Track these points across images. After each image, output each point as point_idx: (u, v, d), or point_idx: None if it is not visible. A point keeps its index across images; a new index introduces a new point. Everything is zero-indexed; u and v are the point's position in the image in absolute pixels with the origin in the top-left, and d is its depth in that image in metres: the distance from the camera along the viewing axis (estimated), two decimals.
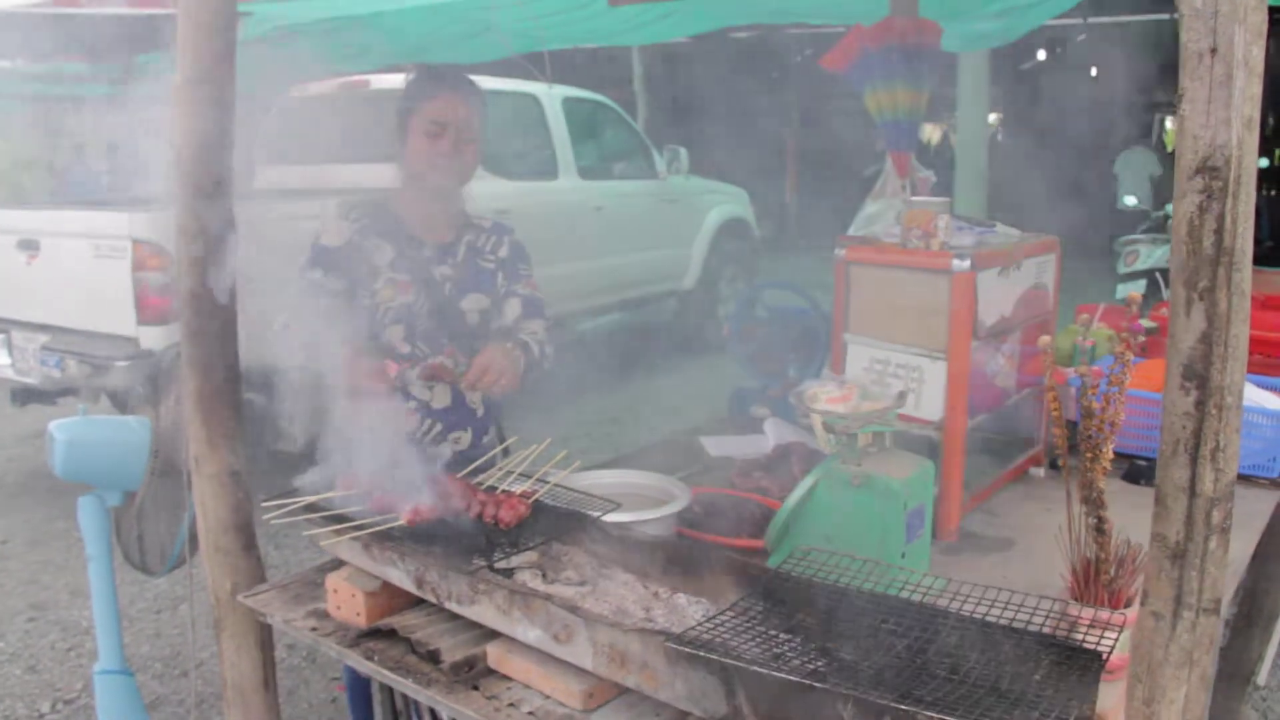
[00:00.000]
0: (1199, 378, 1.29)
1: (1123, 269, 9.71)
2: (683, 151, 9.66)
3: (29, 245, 6.04)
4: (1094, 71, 19.05)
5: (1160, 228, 10.06)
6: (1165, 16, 13.14)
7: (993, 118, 17.52)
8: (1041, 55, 19.87)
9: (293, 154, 7.51)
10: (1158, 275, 9.33)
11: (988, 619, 1.72)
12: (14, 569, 5.32)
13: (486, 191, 7.22)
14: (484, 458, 2.55)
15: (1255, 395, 2.91)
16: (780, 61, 19.24)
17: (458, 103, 2.69)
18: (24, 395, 6.40)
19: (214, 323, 2.49)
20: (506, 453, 2.54)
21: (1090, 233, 10.18)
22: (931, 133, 23.83)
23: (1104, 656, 1.58)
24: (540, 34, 5.46)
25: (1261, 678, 3.71)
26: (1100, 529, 1.83)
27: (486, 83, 7.56)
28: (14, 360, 6.14)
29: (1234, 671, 3.47)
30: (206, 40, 2.36)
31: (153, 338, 5.54)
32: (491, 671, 1.96)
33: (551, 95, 8.42)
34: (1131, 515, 1.99)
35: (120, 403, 6.07)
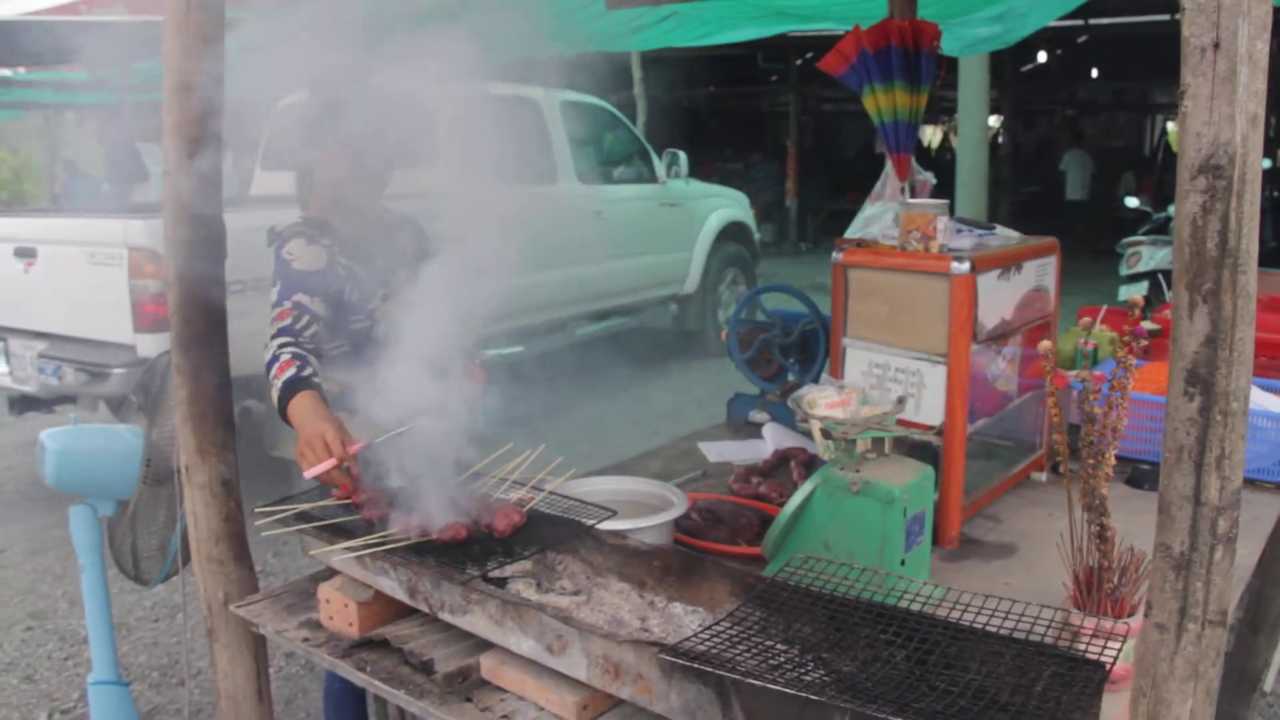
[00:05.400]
0: (1203, 383, 1.26)
1: (1125, 270, 9.68)
2: (682, 155, 9.63)
3: (26, 253, 6.02)
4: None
5: (1162, 229, 10.02)
6: (1165, 17, 13.14)
7: (994, 120, 17.58)
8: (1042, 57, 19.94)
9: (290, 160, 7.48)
10: (1160, 277, 9.30)
11: (988, 629, 1.69)
12: (12, 578, 5.29)
13: None
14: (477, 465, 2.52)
15: (1260, 398, 2.88)
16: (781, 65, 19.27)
17: (374, 110, 2.48)
18: (21, 403, 6.39)
19: (205, 331, 2.47)
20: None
21: None
22: (932, 135, 23.87)
23: (1107, 667, 1.55)
24: (539, 37, 5.44)
25: (1268, 684, 3.66)
26: (1103, 536, 1.80)
27: (485, 87, 7.56)
28: (11, 368, 6.13)
29: (1240, 678, 3.43)
30: (194, 48, 2.34)
31: (150, 345, 5.52)
32: (485, 683, 1.94)
33: (550, 99, 8.39)
34: (1134, 520, 1.96)
35: (118, 410, 6.05)
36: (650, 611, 1.93)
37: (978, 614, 1.74)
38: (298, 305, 2.52)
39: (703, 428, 3.61)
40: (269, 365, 2.44)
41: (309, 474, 2.24)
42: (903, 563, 2.07)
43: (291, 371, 2.39)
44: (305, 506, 2.24)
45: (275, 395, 2.39)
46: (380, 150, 2.58)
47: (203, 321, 2.47)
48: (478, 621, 1.92)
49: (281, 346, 2.45)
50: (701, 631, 1.71)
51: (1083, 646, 1.64)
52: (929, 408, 2.45)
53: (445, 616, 1.98)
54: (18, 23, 7.38)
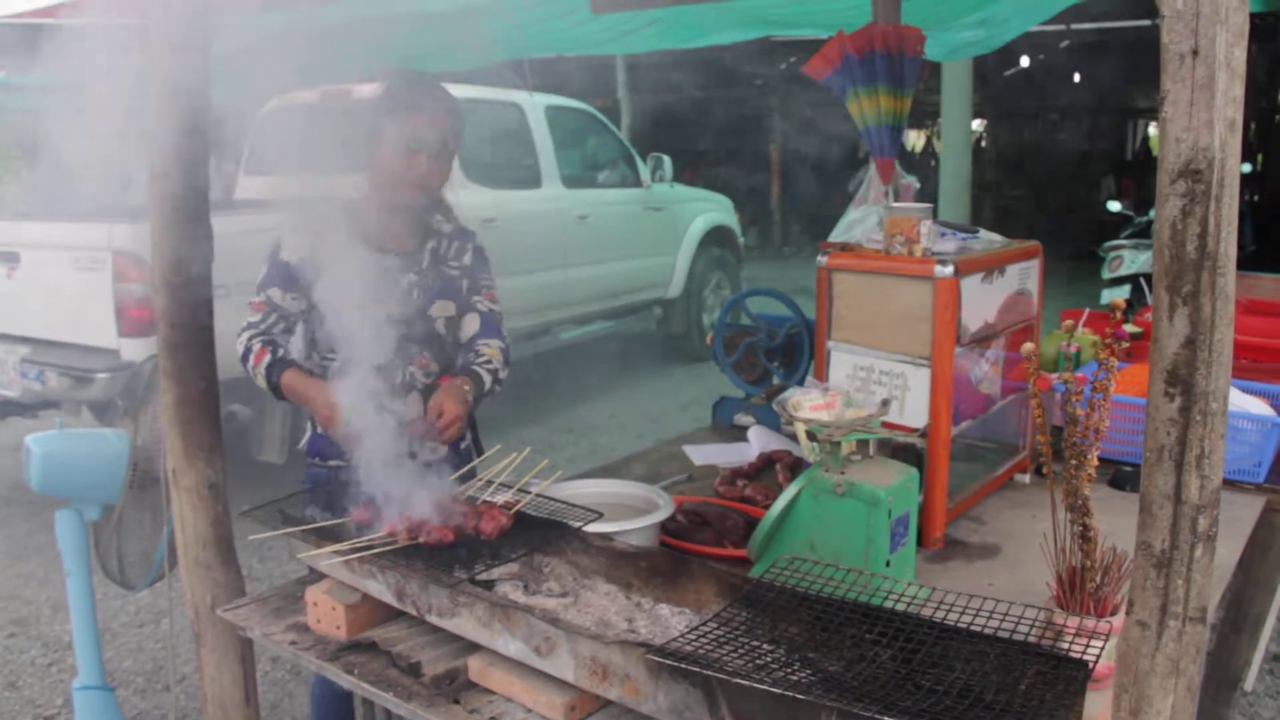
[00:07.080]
0: (1183, 383, 1.28)
1: (1107, 274, 9.74)
2: (666, 159, 9.64)
3: (9, 257, 6.00)
4: None
5: (1144, 233, 10.09)
6: (1146, 23, 13.22)
7: (977, 124, 17.65)
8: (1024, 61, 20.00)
9: (274, 164, 7.46)
10: (1142, 280, 9.36)
11: (973, 628, 1.70)
12: None
13: (470, 200, 7.20)
14: (465, 468, 2.53)
15: (1240, 400, 2.91)
16: (765, 69, 19.30)
17: (437, 118, 2.63)
18: (4, 408, 6.35)
19: (191, 335, 2.47)
20: (480, 449, 2.51)
21: None
22: (916, 139, 23.95)
23: (1090, 665, 1.56)
24: (523, 42, 5.44)
25: (1249, 683, 3.69)
26: (1085, 537, 1.82)
27: (469, 91, 7.56)
28: None
29: (1221, 677, 3.46)
30: (179, 53, 2.34)
31: (134, 349, 5.51)
32: (473, 685, 1.94)
33: (534, 103, 8.39)
34: (1117, 521, 1.98)
35: (102, 415, 6.03)
36: (637, 613, 1.94)
37: (962, 614, 1.75)
38: (269, 301, 2.64)
39: (688, 431, 3.62)
40: (244, 356, 2.60)
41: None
42: (888, 564, 2.08)
43: (268, 357, 2.56)
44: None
45: (262, 378, 2.57)
46: (431, 164, 2.67)
47: (189, 325, 2.48)
48: (465, 624, 1.92)
49: (251, 339, 2.61)
50: (688, 632, 1.72)
51: (1066, 645, 1.65)
52: (913, 410, 2.47)
53: (433, 619, 1.99)
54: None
